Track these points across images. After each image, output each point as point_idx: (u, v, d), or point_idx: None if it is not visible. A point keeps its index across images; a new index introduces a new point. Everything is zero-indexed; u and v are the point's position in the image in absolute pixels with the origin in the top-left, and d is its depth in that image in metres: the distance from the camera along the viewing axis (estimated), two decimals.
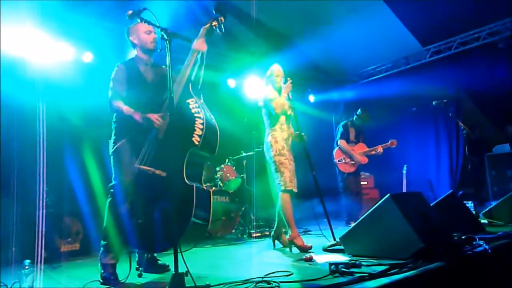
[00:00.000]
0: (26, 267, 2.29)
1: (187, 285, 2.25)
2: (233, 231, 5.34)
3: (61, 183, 4.55)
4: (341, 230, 4.00)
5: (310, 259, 3.16)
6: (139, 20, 2.77)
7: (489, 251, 2.87)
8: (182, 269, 2.29)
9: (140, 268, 2.99)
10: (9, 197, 4.10)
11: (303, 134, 4.00)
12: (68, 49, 4.93)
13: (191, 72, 2.95)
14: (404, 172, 6.82)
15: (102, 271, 2.81)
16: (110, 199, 2.87)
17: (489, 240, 3.15)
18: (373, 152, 5.97)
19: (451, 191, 4.16)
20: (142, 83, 2.98)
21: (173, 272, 2.26)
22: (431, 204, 3.68)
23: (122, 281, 2.76)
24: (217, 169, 5.54)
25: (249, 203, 5.53)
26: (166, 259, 3.12)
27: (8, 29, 4.32)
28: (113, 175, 2.91)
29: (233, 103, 6.46)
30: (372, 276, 2.33)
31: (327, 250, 3.54)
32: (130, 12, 2.72)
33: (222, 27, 3.03)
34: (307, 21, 6.39)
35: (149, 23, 2.76)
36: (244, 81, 6.90)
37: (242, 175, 5.62)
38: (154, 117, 2.79)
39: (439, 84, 6.73)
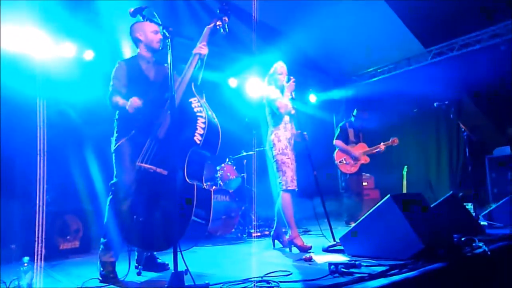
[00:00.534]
0: (25, 264, 2.28)
1: (186, 284, 2.25)
2: (233, 230, 5.33)
3: (61, 181, 4.55)
4: (341, 230, 3.99)
5: (309, 259, 3.15)
6: (141, 18, 2.77)
7: (489, 252, 2.87)
8: (181, 267, 2.28)
9: (140, 267, 2.99)
10: (9, 194, 4.10)
11: (305, 133, 3.99)
12: (69, 47, 4.94)
13: (194, 71, 2.96)
14: (405, 173, 6.81)
15: (102, 269, 2.81)
16: (111, 197, 2.87)
17: (489, 242, 3.14)
18: (374, 151, 5.96)
19: (451, 192, 4.15)
20: (144, 81, 2.98)
21: (173, 271, 2.26)
22: (431, 205, 3.67)
23: (121, 279, 2.76)
24: (218, 168, 5.54)
25: (249, 203, 5.53)
26: (166, 257, 3.12)
27: (10, 26, 4.33)
28: (114, 173, 2.91)
29: (234, 102, 6.45)
30: (372, 277, 2.33)
31: (327, 250, 3.54)
32: (132, 9, 2.73)
33: (226, 26, 3.04)
34: (309, 21, 6.39)
35: (151, 20, 2.76)
36: (246, 81, 6.89)
37: (242, 175, 5.63)
38: (134, 100, 2.75)
39: (441, 86, 6.71)
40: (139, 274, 2.93)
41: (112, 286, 2.67)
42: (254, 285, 2.35)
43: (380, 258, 2.85)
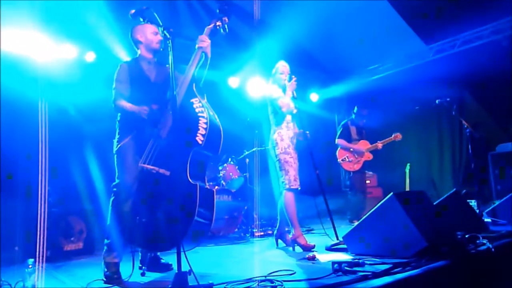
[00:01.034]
0: (30, 266, 2.29)
1: (190, 284, 2.25)
2: (236, 230, 5.33)
3: (64, 182, 4.56)
4: (344, 229, 3.99)
5: (313, 258, 3.15)
6: (141, 19, 2.78)
7: (493, 250, 2.86)
8: (185, 268, 2.29)
9: (143, 267, 2.99)
10: (12, 196, 4.11)
11: (307, 132, 3.99)
12: (71, 48, 4.95)
13: (195, 71, 2.96)
14: (407, 170, 6.80)
15: (106, 270, 2.82)
16: (113, 198, 2.88)
17: (493, 239, 3.14)
18: (373, 149, 5.96)
19: (454, 189, 4.14)
20: (145, 82, 2.99)
21: (176, 271, 2.26)
22: (435, 203, 3.66)
23: (126, 279, 2.77)
24: (220, 168, 5.54)
25: (252, 202, 5.54)
26: (169, 258, 3.12)
27: (11, 28, 4.34)
28: (117, 174, 2.92)
29: (236, 102, 6.45)
30: (375, 275, 2.33)
31: (330, 249, 3.54)
32: (133, 11, 2.73)
33: (226, 27, 3.04)
34: (310, 19, 6.38)
35: (151, 22, 2.77)
36: (247, 80, 6.89)
37: (245, 174, 5.63)
38: (142, 108, 2.80)
39: (443, 83, 6.70)
40: (143, 274, 2.93)
41: (116, 286, 2.67)
42: (258, 284, 2.35)
43: (383, 256, 2.85)
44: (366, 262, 2.68)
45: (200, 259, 3.65)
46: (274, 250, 3.97)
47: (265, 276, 2.53)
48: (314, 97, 8.26)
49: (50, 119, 4.16)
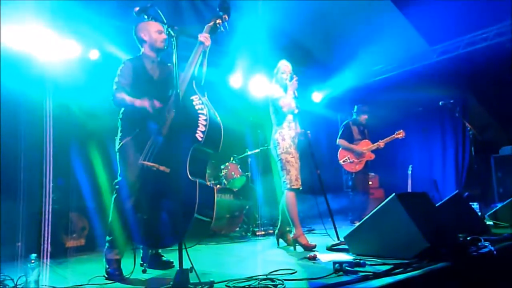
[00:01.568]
0: (32, 261, 2.30)
1: (191, 282, 2.26)
2: (237, 229, 5.34)
3: (67, 179, 4.58)
4: (345, 229, 3.99)
5: (314, 258, 3.15)
6: (146, 17, 2.78)
7: (495, 252, 2.85)
8: (186, 265, 2.29)
9: (145, 264, 3.01)
10: (15, 192, 4.13)
11: (308, 132, 3.99)
12: (74, 46, 4.96)
13: (195, 68, 2.96)
14: (410, 172, 6.79)
15: (107, 266, 2.84)
16: (115, 195, 2.89)
17: (495, 242, 3.12)
18: (374, 148, 5.94)
19: (456, 191, 4.14)
20: (148, 80, 3.00)
21: (178, 268, 2.27)
22: (437, 205, 3.66)
23: (127, 276, 2.78)
24: (222, 167, 5.55)
25: (254, 202, 5.54)
26: (171, 255, 3.13)
27: (15, 26, 4.35)
28: (119, 172, 2.93)
29: (239, 101, 6.46)
30: (376, 275, 2.32)
31: (331, 249, 3.54)
32: (137, 8, 2.74)
33: (226, 25, 3.04)
34: (313, 19, 6.38)
35: (156, 19, 2.77)
36: (250, 80, 6.90)
37: (246, 173, 5.63)
38: (148, 103, 2.81)
39: (446, 84, 6.68)
40: (144, 271, 2.95)
41: (117, 283, 2.68)
42: (259, 283, 2.35)
43: (384, 257, 2.84)
44: (367, 262, 2.67)
45: (202, 257, 3.66)
46: (275, 249, 3.97)
47: (266, 275, 2.53)
48: (316, 96, 8.26)
49: (54, 116, 4.19)
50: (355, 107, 6.21)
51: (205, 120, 2.79)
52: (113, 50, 4.94)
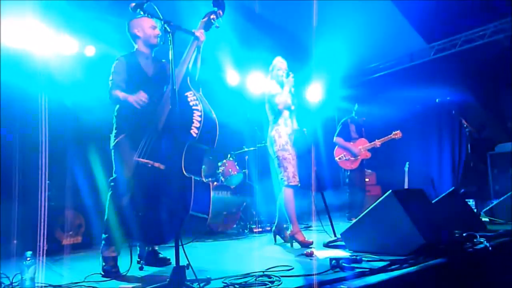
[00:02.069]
0: (28, 259, 2.29)
1: (188, 278, 2.26)
2: (235, 226, 5.35)
3: (63, 177, 4.57)
4: (342, 226, 4.00)
5: (311, 254, 3.16)
6: (142, 13, 2.76)
7: (490, 248, 2.87)
8: (183, 262, 2.29)
9: (141, 261, 3.01)
10: (11, 190, 4.12)
11: (304, 129, 3.99)
12: (70, 42, 4.93)
13: (189, 64, 2.95)
14: (406, 169, 6.80)
15: (104, 263, 2.83)
16: (110, 192, 2.89)
17: (490, 238, 3.13)
18: (370, 147, 5.96)
19: (453, 188, 4.15)
20: (142, 77, 2.99)
21: (174, 265, 2.27)
22: (433, 201, 3.67)
23: (123, 274, 2.77)
24: (219, 164, 5.55)
25: (251, 198, 5.54)
26: (167, 252, 3.13)
27: (10, 22, 4.32)
28: (114, 169, 2.92)
29: (236, 98, 6.45)
30: (373, 272, 2.33)
31: (328, 245, 3.55)
32: (133, 4, 2.72)
33: (221, 20, 3.02)
34: (310, 16, 6.36)
35: (152, 15, 2.75)
36: (247, 76, 6.89)
37: (244, 170, 5.63)
38: (138, 96, 2.79)
39: (443, 82, 6.70)
40: (141, 269, 2.95)
41: (114, 280, 2.68)
42: (256, 279, 2.36)
43: (381, 253, 2.85)
44: (363, 259, 2.69)
45: (199, 254, 3.66)
46: (272, 246, 3.98)
47: (263, 272, 2.53)
48: (313, 94, 8.25)
49: (49, 113, 4.16)
50: (356, 105, 6.20)
51: (200, 116, 2.77)
52: (109, 46, 4.91)
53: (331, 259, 2.57)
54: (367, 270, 2.36)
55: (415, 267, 2.43)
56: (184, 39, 2.97)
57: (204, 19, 3.00)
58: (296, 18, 6.32)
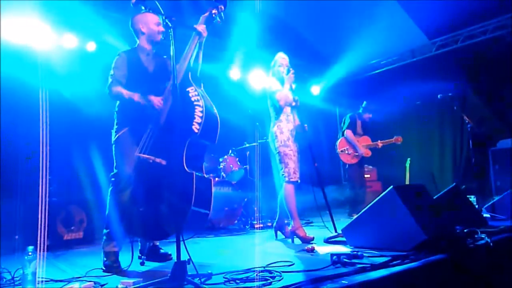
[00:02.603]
0: (30, 254, 2.29)
1: (189, 274, 2.26)
2: (236, 221, 5.36)
3: (65, 172, 4.57)
4: (343, 222, 4.00)
5: (312, 250, 3.16)
6: (143, 8, 2.76)
7: (491, 244, 2.87)
8: (184, 257, 2.29)
9: (143, 257, 3.01)
10: (12, 185, 4.12)
11: (305, 125, 3.98)
12: (71, 38, 4.92)
13: (191, 59, 2.94)
14: (408, 165, 6.79)
15: (105, 259, 2.84)
16: (111, 187, 2.89)
17: (491, 234, 3.14)
18: (372, 146, 5.98)
19: (454, 184, 4.14)
20: (143, 73, 2.98)
21: (176, 261, 2.27)
22: (434, 197, 3.67)
23: (125, 269, 2.78)
24: (220, 160, 5.55)
25: (252, 194, 5.55)
26: (169, 248, 3.14)
27: (12, 17, 4.31)
28: (115, 164, 2.92)
29: (237, 94, 6.44)
30: (374, 267, 2.33)
31: (328, 241, 3.55)
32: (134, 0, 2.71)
33: (222, 15, 3.01)
34: (313, 12, 6.34)
35: (153, 11, 2.74)
36: (249, 72, 6.87)
37: (245, 166, 5.63)
38: (157, 99, 2.80)
39: (445, 78, 6.67)
40: (142, 264, 2.95)
41: (115, 275, 2.68)
42: (257, 274, 2.36)
43: (382, 249, 2.86)
44: (364, 254, 2.69)
45: (200, 249, 3.67)
46: (273, 241, 3.98)
47: (264, 267, 2.54)
48: (315, 90, 8.24)
49: (50, 109, 4.15)
50: (364, 102, 6.19)
51: (202, 111, 2.77)
52: (110, 42, 4.90)
53: (332, 255, 2.58)
54: (368, 265, 2.36)
55: (416, 262, 2.43)
56: (186, 34, 2.96)
57: (205, 14, 2.99)
58: (298, 15, 6.31)
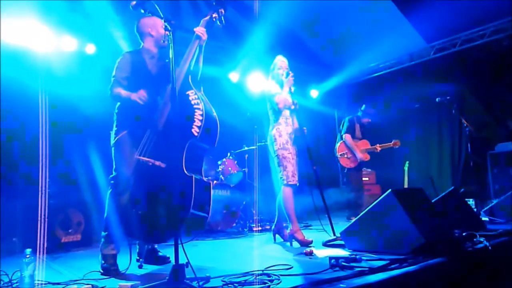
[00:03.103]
0: (27, 256, 2.29)
1: (187, 277, 2.26)
2: (234, 224, 5.35)
3: (63, 174, 4.56)
4: (342, 225, 4.00)
5: (310, 253, 3.16)
6: (142, 11, 2.76)
7: (490, 248, 2.87)
8: (182, 260, 2.29)
9: (141, 260, 3.00)
10: (11, 187, 4.11)
11: (304, 128, 3.99)
12: (71, 40, 4.93)
13: (191, 63, 2.94)
14: (406, 168, 6.80)
15: (103, 261, 2.83)
16: (110, 190, 2.88)
17: (490, 237, 3.14)
18: (370, 150, 6.00)
19: (452, 187, 4.15)
20: (146, 75, 2.98)
21: (174, 264, 2.27)
22: (433, 201, 3.67)
23: (123, 272, 2.77)
24: (219, 162, 5.55)
25: (251, 197, 5.54)
26: (167, 251, 3.13)
27: (11, 20, 4.32)
28: (114, 167, 2.92)
29: (236, 97, 6.45)
30: (372, 271, 2.33)
31: (327, 244, 3.55)
32: (134, 2, 2.71)
33: (223, 19, 3.02)
34: (312, 16, 6.36)
35: (152, 14, 2.75)
36: (247, 75, 6.88)
37: (243, 169, 5.63)
38: (140, 92, 2.78)
39: (443, 81, 6.69)
40: (140, 267, 2.94)
41: (113, 278, 2.68)
42: (255, 278, 2.36)
43: (380, 252, 2.86)
44: (363, 258, 2.68)
45: (198, 252, 3.66)
46: (272, 245, 3.98)
47: (262, 270, 2.54)
48: (314, 93, 8.25)
49: (50, 111, 4.16)
50: (363, 106, 6.21)
51: (201, 115, 2.77)
52: (110, 44, 4.90)
53: (330, 258, 2.58)
54: (366, 269, 2.36)
55: (414, 266, 2.43)
56: (186, 37, 2.96)
57: (206, 18, 3.00)
58: (297, 19, 6.32)
